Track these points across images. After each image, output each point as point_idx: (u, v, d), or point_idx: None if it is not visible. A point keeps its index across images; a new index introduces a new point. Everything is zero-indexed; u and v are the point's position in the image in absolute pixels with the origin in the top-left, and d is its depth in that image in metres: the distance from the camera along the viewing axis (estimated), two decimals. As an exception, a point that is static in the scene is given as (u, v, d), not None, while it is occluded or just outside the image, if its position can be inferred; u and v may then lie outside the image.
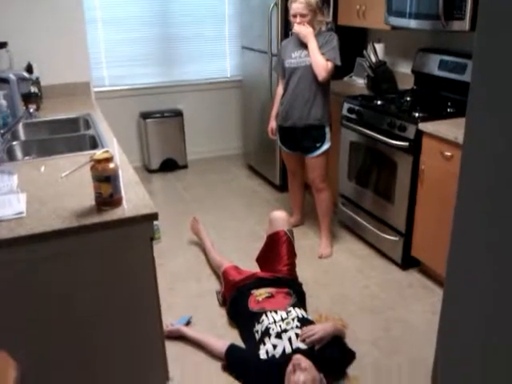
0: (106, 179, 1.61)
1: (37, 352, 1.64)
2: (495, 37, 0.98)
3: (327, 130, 3.20)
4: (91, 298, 1.65)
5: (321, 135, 3.18)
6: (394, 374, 2.29)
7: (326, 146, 3.20)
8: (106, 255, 1.63)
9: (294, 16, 3.05)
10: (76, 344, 1.69)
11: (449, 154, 2.62)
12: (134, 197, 1.74)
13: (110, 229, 1.58)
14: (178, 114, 4.78)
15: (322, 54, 3.04)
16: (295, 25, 3.07)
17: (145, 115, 4.69)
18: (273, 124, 3.49)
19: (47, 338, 1.64)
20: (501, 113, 1.03)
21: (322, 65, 3.02)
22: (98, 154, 1.66)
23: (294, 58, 3.14)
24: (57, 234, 1.52)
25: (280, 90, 3.38)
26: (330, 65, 3.05)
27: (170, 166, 4.83)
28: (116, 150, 2.33)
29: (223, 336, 2.51)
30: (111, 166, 1.63)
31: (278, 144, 3.56)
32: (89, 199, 1.69)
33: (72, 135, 2.70)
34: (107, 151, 2.09)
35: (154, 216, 1.62)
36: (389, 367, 2.33)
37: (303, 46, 3.10)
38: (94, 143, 2.54)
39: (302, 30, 3.04)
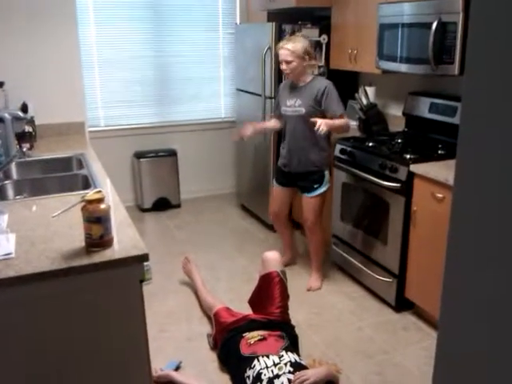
0: (96, 220, 1.60)
1: (20, 398, 1.59)
2: (482, 80, 1.00)
3: (326, 173, 3.24)
4: (79, 340, 1.61)
5: (319, 178, 3.22)
6: (389, 421, 2.23)
7: (323, 189, 3.23)
8: (95, 297, 1.60)
9: (281, 62, 3.11)
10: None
11: (440, 195, 2.63)
12: (125, 238, 1.73)
13: (99, 270, 1.56)
14: (172, 153, 4.80)
15: (333, 111, 3.09)
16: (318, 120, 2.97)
17: (139, 155, 4.71)
18: (250, 129, 3.37)
19: (34, 381, 1.59)
20: (490, 154, 1.04)
21: (344, 126, 3.12)
22: (90, 194, 1.66)
23: (289, 107, 3.19)
24: (45, 275, 1.50)
25: (272, 121, 3.48)
26: (345, 117, 3.13)
27: (163, 205, 4.82)
28: (109, 190, 2.32)
29: (214, 381, 2.45)
30: (102, 206, 1.62)
31: (273, 182, 3.55)
32: (78, 240, 1.68)
33: (65, 175, 2.70)
34: (100, 191, 2.09)
35: (144, 257, 1.61)
36: (383, 414, 2.27)
37: (297, 93, 3.16)
38: (86, 183, 2.54)
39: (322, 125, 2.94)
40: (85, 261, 1.55)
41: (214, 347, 2.69)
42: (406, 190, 2.87)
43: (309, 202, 3.25)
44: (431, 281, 2.76)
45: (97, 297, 1.60)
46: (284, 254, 3.60)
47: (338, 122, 3.07)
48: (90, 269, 1.54)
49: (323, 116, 3.09)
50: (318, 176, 3.21)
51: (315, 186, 3.21)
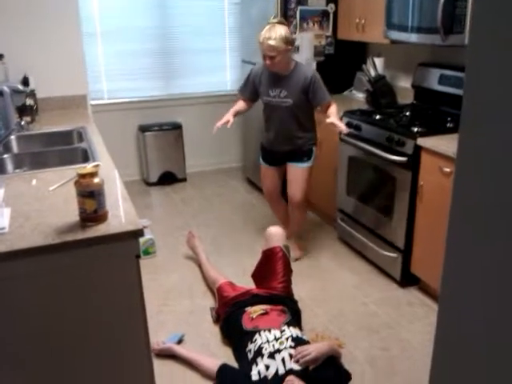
0: (89, 194, 1.57)
1: (18, 371, 1.58)
2: (487, 49, 0.94)
3: (314, 148, 3.19)
4: (74, 315, 1.59)
5: (308, 152, 3.17)
6: (390, 396, 2.22)
7: (311, 163, 3.19)
8: (90, 272, 1.57)
9: (263, 57, 2.95)
10: (59, 363, 1.63)
11: (448, 170, 2.57)
12: (121, 213, 1.69)
13: (93, 246, 1.53)
14: (177, 127, 4.75)
15: (321, 100, 3.03)
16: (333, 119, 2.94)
17: (143, 128, 4.66)
18: (229, 117, 3.15)
19: (27, 358, 1.58)
20: (493, 126, 0.99)
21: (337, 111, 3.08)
22: (83, 168, 1.62)
23: (274, 97, 3.07)
24: (38, 250, 1.47)
25: (240, 102, 3.27)
26: (332, 103, 3.07)
27: (168, 179, 4.80)
28: (107, 164, 2.28)
29: (216, 354, 2.45)
30: (96, 180, 1.58)
31: (260, 161, 3.41)
32: (74, 215, 1.65)
33: (64, 148, 2.66)
34: (97, 165, 2.06)
35: (139, 233, 1.57)
36: (385, 389, 2.26)
37: (281, 83, 3.02)
38: (86, 157, 2.50)
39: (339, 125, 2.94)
40: (78, 236, 1.52)
41: (216, 321, 2.69)
42: (413, 164, 2.80)
43: (297, 173, 3.18)
44: (437, 256, 2.71)
45: (92, 272, 1.58)
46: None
47: (334, 110, 3.02)
48: (83, 244, 1.51)
49: (309, 104, 3.07)
50: (307, 151, 3.16)
51: (304, 159, 3.16)
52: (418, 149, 2.75)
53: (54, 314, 1.57)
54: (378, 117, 3.18)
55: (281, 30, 2.86)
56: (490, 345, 1.06)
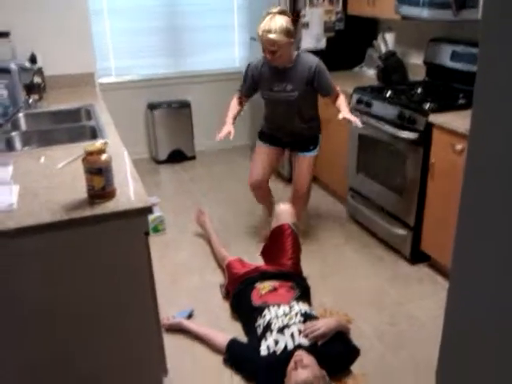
0: (97, 171, 1.57)
1: (30, 346, 1.61)
2: (501, 24, 0.91)
3: (320, 136, 3.13)
4: (83, 292, 1.61)
5: (315, 139, 3.11)
6: (398, 370, 2.23)
7: (317, 151, 3.12)
8: (98, 249, 1.58)
9: (264, 50, 2.77)
10: (66, 339, 1.65)
11: (459, 147, 2.53)
12: (129, 190, 1.69)
13: (101, 223, 1.54)
14: (186, 104, 4.72)
15: (327, 90, 2.94)
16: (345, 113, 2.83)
17: (152, 106, 4.64)
18: (230, 128, 3.02)
19: (34, 335, 1.60)
20: (508, 102, 0.97)
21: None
22: (91, 145, 1.61)
23: (278, 92, 2.93)
24: (46, 227, 1.48)
25: (235, 104, 3.10)
26: (338, 91, 3.00)
27: (177, 157, 4.79)
28: (115, 142, 2.28)
29: (226, 330, 2.47)
30: (103, 157, 1.58)
31: (257, 142, 3.25)
32: (82, 192, 1.65)
33: (72, 126, 2.66)
34: (106, 142, 2.05)
35: (147, 210, 1.57)
36: (394, 363, 2.27)
37: (285, 76, 2.88)
38: (94, 134, 2.50)
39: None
40: (87, 213, 1.53)
41: (226, 297, 2.70)
42: (425, 141, 2.76)
43: (304, 162, 3.08)
44: (448, 233, 2.68)
45: (101, 249, 1.58)
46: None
47: (343, 102, 2.93)
48: (91, 221, 1.52)
49: (314, 93, 2.98)
50: (313, 138, 3.10)
51: (311, 148, 3.08)
52: (430, 126, 2.71)
53: (62, 290, 1.58)
54: (388, 93, 3.14)
55: (281, 21, 2.68)
56: (501, 322, 1.05)
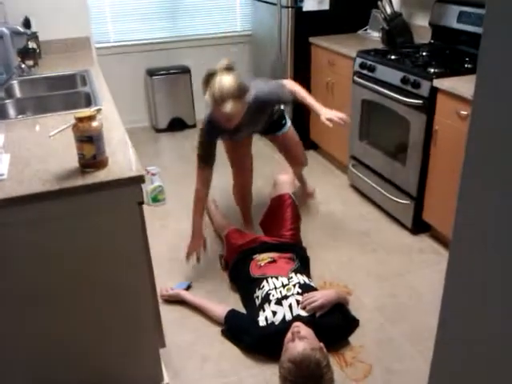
0: (88, 139, 1.51)
1: (24, 318, 1.59)
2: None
3: (282, 108, 2.88)
4: (77, 262, 1.58)
5: (281, 115, 2.85)
6: (397, 341, 2.22)
7: (290, 121, 2.90)
8: (91, 219, 1.54)
9: (218, 119, 2.37)
10: (63, 311, 1.63)
11: (465, 113, 2.45)
12: (122, 158, 1.64)
13: (93, 192, 1.49)
14: (186, 70, 4.61)
15: (286, 98, 2.61)
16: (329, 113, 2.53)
17: (151, 72, 4.54)
18: (198, 243, 2.62)
19: (31, 308, 1.58)
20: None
21: (302, 91, 2.65)
22: (81, 112, 1.55)
23: (241, 137, 2.71)
24: (36, 197, 1.44)
25: (202, 192, 2.62)
26: (291, 86, 2.64)
27: (178, 125, 4.71)
28: (109, 108, 2.21)
29: (224, 300, 2.45)
30: (94, 125, 1.52)
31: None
32: (74, 161, 1.60)
33: (67, 92, 2.59)
34: (99, 109, 1.99)
35: (139, 179, 1.52)
36: (393, 335, 2.25)
37: (243, 125, 2.49)
38: (89, 101, 2.43)
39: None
40: (78, 182, 1.48)
41: (225, 268, 2.68)
42: (429, 107, 2.68)
43: (289, 135, 2.87)
44: (450, 203, 2.64)
45: (93, 219, 1.54)
46: (247, 226, 3.03)
47: (309, 99, 2.61)
48: (82, 190, 1.48)
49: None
50: (279, 116, 2.83)
51: (283, 122, 2.85)
52: (434, 91, 2.63)
53: (55, 261, 1.55)
54: (393, 57, 3.04)
55: (230, 83, 2.24)
56: (504, 291, 1.02)
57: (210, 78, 2.28)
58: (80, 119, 1.51)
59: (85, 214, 1.53)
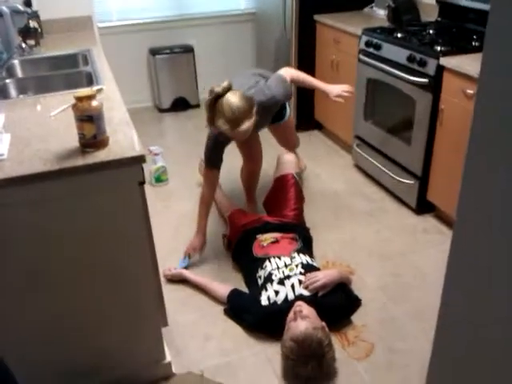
0: (88, 119, 1.50)
1: (24, 298, 1.60)
2: None
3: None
4: (78, 243, 1.58)
5: (284, 106, 2.86)
6: (400, 321, 2.22)
7: (289, 109, 2.93)
8: (92, 200, 1.54)
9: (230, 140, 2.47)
10: (64, 291, 1.64)
11: (471, 92, 2.41)
12: (122, 138, 1.63)
13: (93, 172, 1.48)
14: (189, 49, 4.56)
15: (288, 90, 2.58)
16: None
17: (154, 51, 4.49)
18: (200, 241, 2.60)
19: (32, 288, 1.59)
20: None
21: (302, 75, 2.69)
22: (81, 91, 1.54)
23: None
24: (36, 177, 1.43)
25: (208, 196, 2.59)
26: (286, 71, 2.64)
27: (181, 105, 4.68)
28: (111, 88, 2.19)
29: (227, 280, 2.46)
30: (94, 104, 1.51)
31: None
32: (74, 141, 1.59)
33: (69, 72, 2.57)
34: (100, 89, 1.97)
35: (140, 159, 1.51)
36: (396, 314, 2.26)
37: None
38: (90, 80, 2.41)
39: None
40: (78, 162, 1.47)
41: (228, 247, 2.68)
42: (435, 86, 2.64)
43: (287, 123, 2.95)
44: (455, 183, 2.61)
45: (94, 200, 1.54)
46: (250, 208, 3.01)
47: (310, 79, 2.69)
48: (83, 170, 1.47)
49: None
50: (281, 107, 2.79)
51: (284, 112, 2.87)
52: (441, 69, 2.59)
53: (56, 242, 1.55)
54: (399, 35, 2.98)
55: (240, 103, 2.20)
56: (510, 274, 1.01)
57: (214, 102, 2.23)
58: (80, 99, 1.50)
59: (85, 195, 1.52)
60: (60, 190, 1.49)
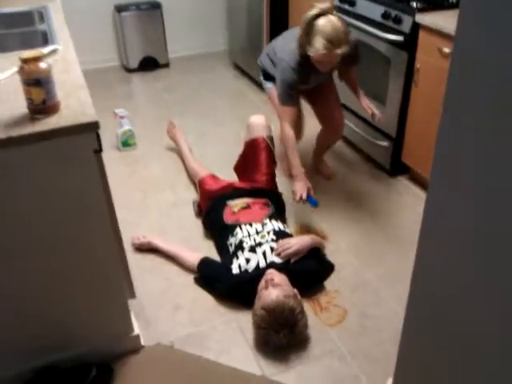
0: (35, 82, 1.38)
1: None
2: None
3: None
4: (34, 215, 1.48)
5: None
6: (373, 285, 2.20)
7: None
8: (43, 171, 1.43)
9: (322, 62, 2.28)
10: (22, 265, 1.55)
11: (448, 50, 2.33)
12: (75, 103, 1.51)
13: (43, 141, 1.37)
14: (156, 5, 4.34)
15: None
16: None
17: (120, 8, 4.26)
18: (306, 183, 2.41)
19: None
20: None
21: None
22: (26, 53, 1.41)
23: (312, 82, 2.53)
24: (-19, 147, 1.32)
25: (291, 132, 2.43)
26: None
27: (150, 64, 4.49)
28: (67, 48, 2.04)
29: (198, 248, 2.40)
30: (41, 66, 1.38)
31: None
32: (23, 107, 1.47)
33: (23, 31, 2.39)
34: (56, 49, 1.83)
35: (94, 125, 1.40)
36: (369, 279, 2.24)
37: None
38: (46, 40, 2.24)
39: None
40: (26, 130, 1.35)
41: (198, 214, 2.61)
42: (410, 44, 2.55)
43: (331, 86, 2.75)
44: (430, 144, 2.57)
45: (47, 170, 1.43)
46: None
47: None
48: (32, 139, 1.35)
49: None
50: None
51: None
52: (416, 26, 2.49)
53: (10, 214, 1.45)
54: (373, -10, 2.86)
55: (342, 25, 2.17)
56: (480, 231, 0.98)
57: (314, 19, 2.17)
58: (25, 60, 1.37)
59: (38, 164, 1.41)
60: (10, 160, 1.38)
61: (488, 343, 1.05)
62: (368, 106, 2.61)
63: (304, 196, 2.32)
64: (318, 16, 2.17)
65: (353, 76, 2.67)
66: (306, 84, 2.48)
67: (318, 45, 2.16)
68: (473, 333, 1.09)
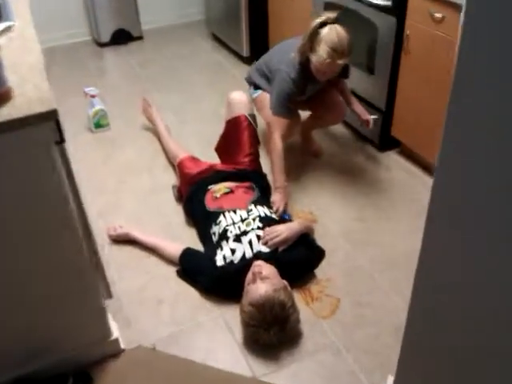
0: (-20, 67, 1.19)
1: None
2: None
3: None
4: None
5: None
6: (367, 270, 2.08)
7: None
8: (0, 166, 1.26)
9: (323, 72, 2.24)
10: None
11: (439, 15, 2.18)
12: (30, 89, 1.32)
13: (-4, 134, 1.19)
14: (127, -27, 4.07)
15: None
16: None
17: (87, -23, 3.98)
18: (284, 198, 2.30)
19: None
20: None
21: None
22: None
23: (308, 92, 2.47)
24: None
25: (280, 144, 2.32)
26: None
27: (122, 37, 4.23)
28: (25, 24, 1.83)
29: (180, 237, 2.25)
30: (-14, 48, 1.19)
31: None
32: (-30, 94, 1.28)
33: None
34: (10, 25, 1.63)
35: (52, 114, 1.23)
36: (361, 263, 2.12)
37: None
38: (1, 15, 2.02)
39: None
40: (-28, 123, 1.18)
41: (179, 200, 2.45)
42: (399, 8, 2.38)
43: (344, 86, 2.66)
44: (421, 116, 2.44)
45: (2, 166, 1.26)
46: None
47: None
48: (-22, 133, 1.18)
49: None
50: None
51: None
52: (406, -11, 2.32)
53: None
54: (358, -49, 2.66)
55: (347, 36, 2.17)
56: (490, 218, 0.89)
57: (320, 27, 2.17)
58: (-35, 41, 1.18)
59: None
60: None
61: (501, 342, 0.94)
62: (362, 112, 2.52)
63: (281, 209, 2.22)
64: (323, 24, 2.16)
65: (343, 87, 2.57)
66: (303, 94, 2.42)
67: (322, 52, 2.14)
68: (488, 317, 0.98)
